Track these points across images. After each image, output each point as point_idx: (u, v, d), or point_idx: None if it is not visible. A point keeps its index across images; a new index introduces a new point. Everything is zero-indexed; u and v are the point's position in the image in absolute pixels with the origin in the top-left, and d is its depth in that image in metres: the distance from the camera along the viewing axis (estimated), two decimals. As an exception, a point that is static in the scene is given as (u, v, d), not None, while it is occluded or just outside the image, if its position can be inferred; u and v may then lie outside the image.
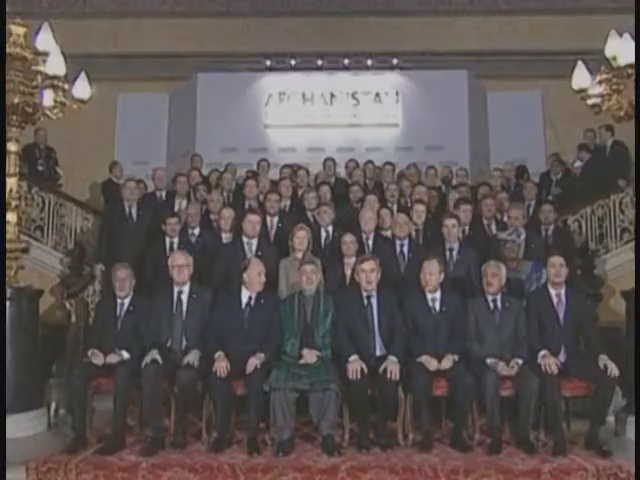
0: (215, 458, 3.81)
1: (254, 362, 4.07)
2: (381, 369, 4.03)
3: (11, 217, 4.70)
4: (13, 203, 4.73)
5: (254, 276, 4.41)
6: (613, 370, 3.99)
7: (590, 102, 4.56)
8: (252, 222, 5.18)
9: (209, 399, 4.17)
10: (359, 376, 3.98)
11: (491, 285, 4.40)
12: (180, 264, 4.46)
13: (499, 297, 4.41)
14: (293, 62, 9.82)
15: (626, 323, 4.65)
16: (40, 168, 7.97)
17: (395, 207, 6.17)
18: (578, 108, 5.39)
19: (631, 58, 4.21)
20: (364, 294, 4.42)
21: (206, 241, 5.57)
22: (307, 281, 4.42)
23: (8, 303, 4.48)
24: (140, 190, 6.66)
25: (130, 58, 9.74)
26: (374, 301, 4.41)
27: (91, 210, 7.47)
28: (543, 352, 4.17)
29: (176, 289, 4.48)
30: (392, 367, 4.01)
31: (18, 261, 4.73)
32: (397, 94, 9.62)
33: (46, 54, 4.54)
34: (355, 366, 4.01)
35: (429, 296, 4.43)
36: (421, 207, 5.68)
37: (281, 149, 9.41)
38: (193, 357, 4.19)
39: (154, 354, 4.12)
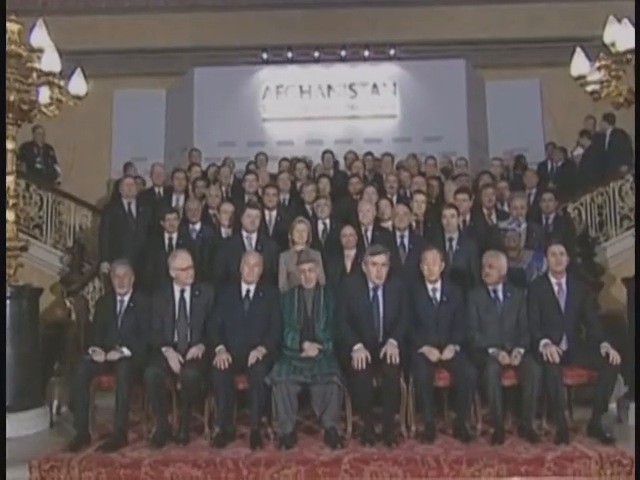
0: (218, 453, 3.81)
1: (255, 355, 4.07)
2: (381, 354, 4.02)
3: (9, 215, 4.70)
4: (11, 201, 4.72)
5: (247, 268, 4.41)
6: (615, 357, 3.98)
7: (589, 89, 4.53)
8: (251, 216, 5.16)
9: (211, 394, 4.16)
10: (364, 365, 3.96)
11: (489, 275, 4.39)
12: (185, 267, 4.43)
13: (500, 287, 4.40)
14: (290, 54, 9.78)
15: (627, 310, 4.64)
16: (38, 166, 7.97)
17: (395, 198, 6.15)
18: (577, 96, 5.37)
19: (630, 44, 4.18)
20: (370, 286, 4.39)
21: (206, 236, 5.56)
22: (306, 280, 4.40)
23: (8, 302, 4.47)
24: (138, 186, 6.64)
25: (126, 54, 9.70)
26: (380, 293, 4.38)
27: (91, 208, 7.46)
28: (545, 341, 4.16)
29: (178, 287, 4.46)
30: (391, 351, 4.00)
31: (17, 259, 4.72)
32: (395, 85, 9.58)
33: (41, 51, 4.53)
34: (360, 355, 3.99)
35: (430, 287, 4.41)
36: (421, 197, 5.67)
37: (279, 142, 9.38)
38: (197, 350, 4.21)
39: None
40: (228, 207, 5.58)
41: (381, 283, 4.37)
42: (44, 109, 4.73)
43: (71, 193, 7.52)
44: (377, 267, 4.34)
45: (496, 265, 4.38)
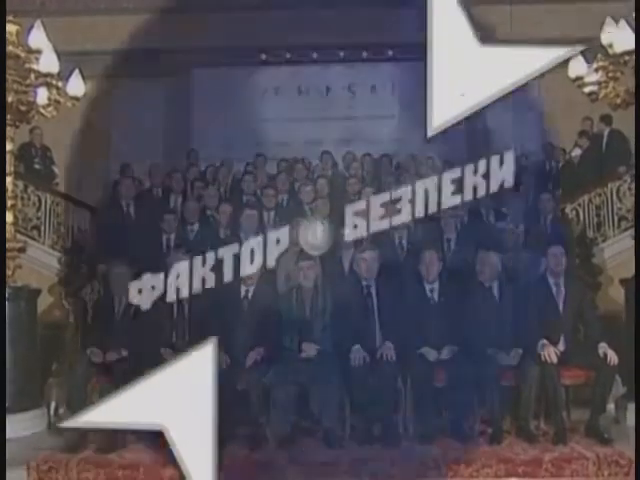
0: (216, 454, 3.80)
1: (253, 356, 4.07)
2: (378, 355, 4.04)
3: (7, 216, 4.69)
4: (9, 202, 4.72)
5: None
6: (613, 358, 3.99)
7: (587, 90, 4.54)
8: (249, 217, 5.17)
9: (209, 395, 4.16)
10: (362, 363, 3.97)
11: (482, 273, 4.39)
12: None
13: (497, 286, 4.40)
14: (288, 55, 9.78)
15: (625, 311, 4.65)
16: (36, 167, 7.96)
17: (393, 199, 6.13)
18: (576, 97, 5.37)
19: (627, 45, 4.18)
20: (363, 283, 4.41)
21: (204, 237, 5.56)
22: (304, 278, 4.41)
23: (6, 303, 4.47)
24: (136, 187, 6.64)
25: (124, 55, 9.68)
26: (373, 291, 4.40)
27: (89, 208, 7.45)
28: (543, 341, 4.15)
29: (176, 287, 4.45)
30: (387, 352, 4.03)
31: (15, 261, 4.72)
32: (393, 85, 9.59)
33: (39, 52, 4.52)
34: (359, 354, 4.02)
35: (427, 286, 4.42)
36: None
37: (277, 143, 9.37)
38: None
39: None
40: (226, 208, 5.58)
41: (372, 278, 4.39)
42: (42, 110, 4.73)
43: (69, 194, 7.51)
44: (366, 263, 4.38)
45: (488, 263, 4.38)
